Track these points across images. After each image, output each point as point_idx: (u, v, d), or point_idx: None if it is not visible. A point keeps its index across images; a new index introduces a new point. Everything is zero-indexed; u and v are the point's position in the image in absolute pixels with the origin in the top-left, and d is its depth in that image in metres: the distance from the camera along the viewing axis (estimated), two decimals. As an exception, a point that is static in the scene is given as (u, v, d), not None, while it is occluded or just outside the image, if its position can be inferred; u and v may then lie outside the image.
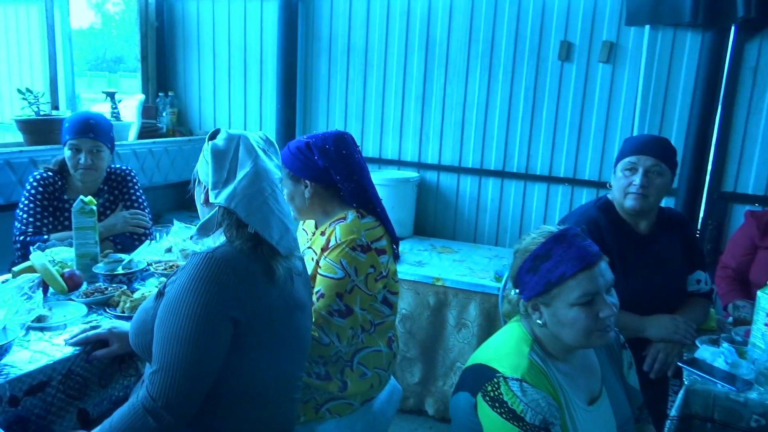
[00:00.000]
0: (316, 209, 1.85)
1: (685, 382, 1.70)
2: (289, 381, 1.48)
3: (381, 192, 3.32)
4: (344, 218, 1.78)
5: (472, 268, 2.98)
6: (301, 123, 3.90)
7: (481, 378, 1.36)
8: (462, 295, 2.76)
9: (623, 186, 2.00)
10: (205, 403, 1.29)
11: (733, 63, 2.85)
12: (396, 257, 1.92)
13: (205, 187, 1.40)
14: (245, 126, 4.12)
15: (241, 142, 1.36)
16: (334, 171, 1.76)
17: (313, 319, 1.69)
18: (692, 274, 2.08)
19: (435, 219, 3.67)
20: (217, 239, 1.38)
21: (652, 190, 1.96)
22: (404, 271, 2.86)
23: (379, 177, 3.45)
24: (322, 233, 1.81)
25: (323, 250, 1.75)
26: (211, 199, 1.33)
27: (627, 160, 2.01)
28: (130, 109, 3.62)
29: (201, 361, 1.24)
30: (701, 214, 3.04)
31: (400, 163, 3.70)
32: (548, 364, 1.40)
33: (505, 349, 1.42)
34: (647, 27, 2.96)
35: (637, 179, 1.96)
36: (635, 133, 3.07)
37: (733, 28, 2.78)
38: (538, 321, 1.39)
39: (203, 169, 1.41)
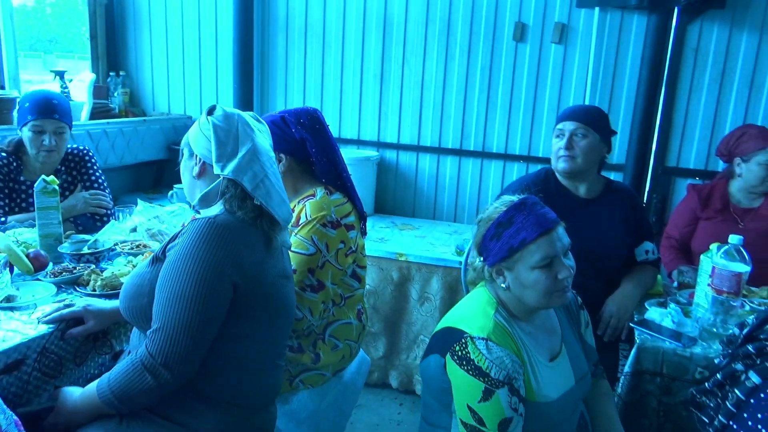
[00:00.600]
0: (287, 185, 1.84)
1: (637, 341, 1.83)
2: (276, 348, 1.54)
3: (344, 171, 3.40)
4: (313, 195, 1.81)
5: (434, 243, 3.06)
6: (258, 103, 3.88)
7: (449, 339, 1.44)
8: (425, 270, 2.84)
9: (555, 151, 2.18)
10: None
11: (676, 44, 3.01)
12: (363, 233, 1.98)
13: (200, 161, 1.45)
14: (201, 107, 4.06)
15: (239, 120, 1.44)
16: (309, 144, 1.80)
17: None
18: (640, 245, 2.21)
19: (395, 197, 3.74)
20: (214, 210, 1.43)
21: (577, 151, 2.11)
22: (368, 247, 2.87)
23: (346, 156, 3.48)
24: (291, 210, 1.85)
25: (294, 226, 1.77)
26: (216, 171, 1.38)
27: (556, 127, 2.19)
28: (80, 89, 3.52)
29: (202, 321, 1.28)
30: (647, 188, 3.21)
31: (359, 143, 3.74)
32: (512, 324, 1.49)
33: (471, 312, 1.50)
34: (597, 9, 3.09)
35: (563, 143, 2.13)
36: (586, 103, 3.20)
37: (676, 10, 2.93)
38: (502, 285, 1.48)
39: (200, 143, 1.45)
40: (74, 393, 1.40)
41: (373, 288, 2.91)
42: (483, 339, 1.40)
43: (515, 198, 1.50)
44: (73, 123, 2.47)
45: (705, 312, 1.82)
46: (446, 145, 3.56)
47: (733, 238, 1.78)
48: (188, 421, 1.36)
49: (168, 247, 1.38)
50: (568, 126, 2.14)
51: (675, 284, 2.33)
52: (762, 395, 1.29)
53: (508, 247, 1.43)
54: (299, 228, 1.75)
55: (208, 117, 1.44)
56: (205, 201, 1.45)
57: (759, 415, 1.27)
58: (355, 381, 2.14)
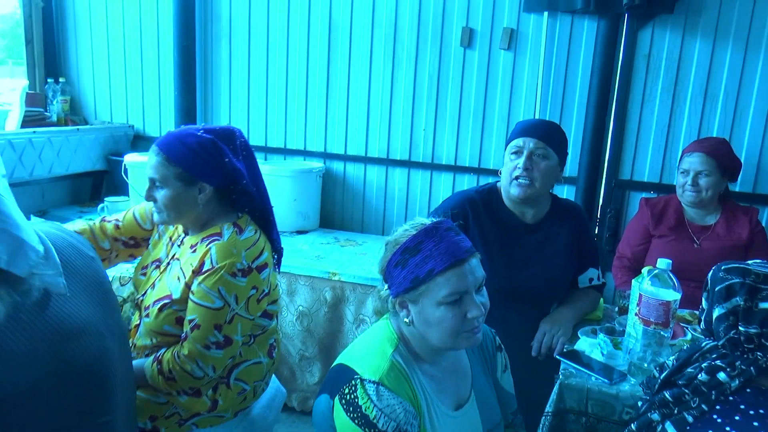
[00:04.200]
0: (201, 216, 1.62)
1: (560, 377, 1.66)
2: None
3: (285, 184, 3.23)
4: (219, 235, 1.57)
5: (374, 261, 2.88)
6: (201, 111, 3.70)
7: (340, 379, 1.27)
8: (360, 290, 2.66)
9: (510, 170, 1.93)
10: None
11: (627, 50, 2.86)
12: (277, 265, 1.76)
13: None
14: (144, 115, 3.88)
15: None
16: (239, 174, 1.57)
17: (186, 351, 1.52)
18: (584, 273, 2.04)
19: (343, 210, 3.56)
20: None
21: (536, 174, 1.88)
22: (301, 265, 2.74)
23: (283, 168, 3.31)
24: (193, 247, 1.60)
25: (195, 272, 1.53)
26: None
27: (513, 143, 1.94)
28: (11, 97, 3.33)
29: None
30: (600, 202, 3.05)
31: (305, 153, 3.56)
32: (413, 366, 1.31)
33: (367, 349, 1.33)
34: (545, 14, 2.93)
35: (521, 161, 1.88)
36: (536, 117, 3.04)
37: (626, 15, 2.78)
38: (406, 319, 1.31)
39: None
40: None
41: (306, 309, 2.72)
42: (374, 383, 1.23)
43: (428, 221, 1.33)
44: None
45: (636, 342, 1.65)
46: (394, 156, 3.39)
47: (662, 262, 1.61)
48: None
49: None
50: (528, 143, 1.89)
51: (616, 309, 2.16)
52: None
53: (412, 277, 1.25)
54: (203, 276, 1.51)
55: None
56: None
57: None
58: (265, 416, 1.94)
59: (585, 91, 2.95)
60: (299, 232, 3.31)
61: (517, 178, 1.89)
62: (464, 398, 1.38)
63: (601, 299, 2.23)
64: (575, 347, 1.82)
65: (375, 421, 1.19)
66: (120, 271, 2.08)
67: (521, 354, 1.83)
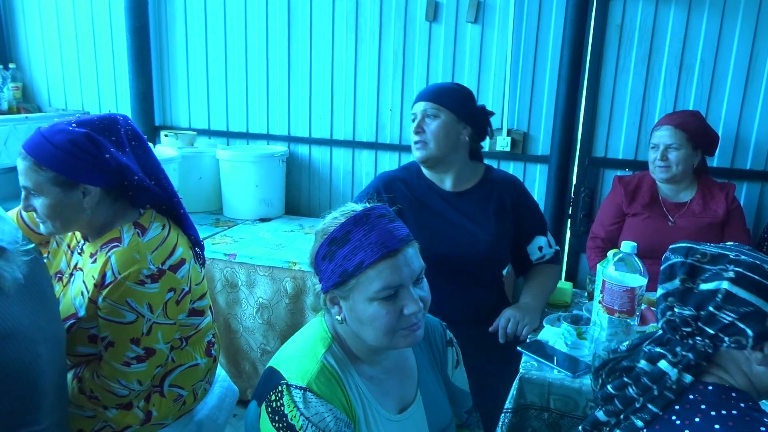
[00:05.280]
0: (96, 221, 1.41)
1: (521, 371, 1.54)
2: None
3: (246, 170, 3.07)
4: (119, 240, 1.38)
5: (338, 248, 2.75)
6: (158, 95, 3.53)
7: (268, 384, 1.15)
8: (321, 280, 2.52)
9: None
10: None
11: (599, 21, 2.71)
12: (200, 263, 1.59)
13: None
14: (99, 101, 3.70)
15: None
16: (129, 171, 1.36)
17: (104, 372, 1.38)
18: (531, 242, 1.92)
19: (309, 196, 3.41)
20: None
21: (428, 135, 1.81)
22: (260, 255, 2.60)
23: (243, 153, 3.15)
24: (93, 257, 1.41)
25: (97, 286, 1.35)
26: None
27: (411, 111, 1.91)
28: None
29: None
30: (574, 182, 2.92)
31: (269, 137, 3.41)
32: (348, 368, 1.19)
33: (298, 351, 1.21)
34: (513, -17, 2.78)
35: (413, 126, 1.85)
36: (507, 96, 2.91)
37: (596, -18, 2.63)
38: (338, 317, 1.18)
39: None
40: None
41: (267, 301, 2.59)
42: (301, 389, 1.10)
43: (359, 208, 1.19)
44: None
45: (601, 332, 1.53)
46: (361, 138, 3.24)
47: (626, 245, 1.49)
48: None
49: None
50: (419, 107, 1.85)
51: (586, 294, 2.05)
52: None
53: (341, 271, 1.11)
54: (107, 290, 1.33)
55: None
56: None
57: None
58: (215, 417, 1.82)
59: (556, 64, 2.80)
60: (262, 220, 3.16)
61: (415, 143, 1.86)
62: (409, 400, 1.26)
63: (569, 284, 2.12)
64: (539, 337, 1.71)
65: (301, 431, 1.07)
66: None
67: (469, 331, 1.71)
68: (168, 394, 1.53)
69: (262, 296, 2.59)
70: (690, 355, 0.97)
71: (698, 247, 1.01)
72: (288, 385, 1.11)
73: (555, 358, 1.57)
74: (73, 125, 1.34)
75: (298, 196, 3.42)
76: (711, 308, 0.95)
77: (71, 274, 1.48)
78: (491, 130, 1.94)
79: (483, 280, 1.88)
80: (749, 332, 0.93)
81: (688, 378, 0.97)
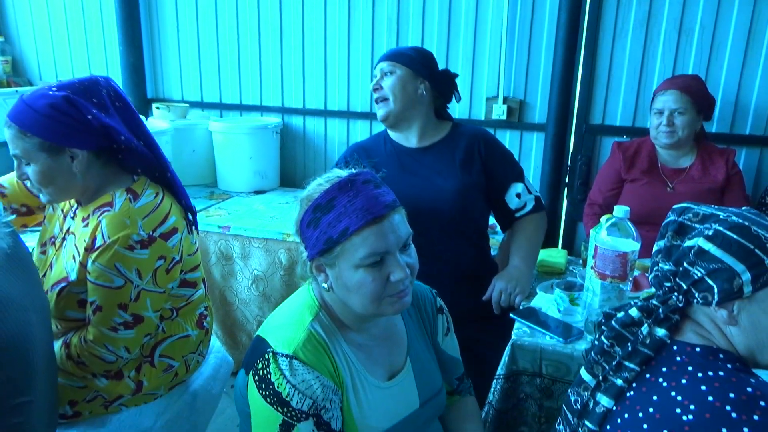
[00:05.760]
0: (88, 186, 1.42)
1: (513, 337, 1.53)
2: None
3: (240, 142, 3.04)
4: (110, 204, 1.39)
5: (333, 219, 2.73)
6: (150, 67, 3.47)
7: (255, 353, 1.14)
8: (316, 251, 2.51)
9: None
10: None
11: (596, -17, 2.65)
12: (191, 229, 1.57)
13: None
14: (90, 72, 3.62)
15: None
16: (115, 132, 1.36)
17: (91, 336, 1.37)
18: (508, 190, 1.87)
19: (304, 168, 3.38)
20: None
21: (387, 92, 1.85)
22: (254, 227, 2.58)
23: (236, 125, 3.12)
24: (85, 221, 1.42)
25: (87, 250, 1.36)
26: None
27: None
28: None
29: None
30: (571, 149, 2.89)
31: (262, 109, 3.36)
32: (336, 336, 1.18)
33: (285, 319, 1.20)
34: (508, -55, 2.70)
35: (372, 86, 1.90)
36: (503, 63, 2.85)
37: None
38: (324, 285, 1.17)
39: None
40: None
41: (262, 273, 2.58)
42: (287, 356, 1.10)
43: (344, 173, 1.16)
44: None
45: (594, 297, 1.52)
46: (355, 109, 3.19)
47: (619, 210, 1.46)
48: None
49: None
50: (377, 69, 1.90)
51: (580, 261, 2.03)
52: (618, 421, 0.99)
53: (326, 238, 1.10)
54: (96, 253, 1.34)
55: None
56: None
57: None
58: (210, 388, 1.82)
59: (553, 30, 2.74)
60: (257, 193, 3.14)
61: (376, 102, 1.90)
62: (398, 367, 1.25)
63: (563, 250, 2.10)
64: (532, 304, 1.70)
65: (288, 398, 1.07)
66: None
67: (454, 287, 1.72)
68: (158, 365, 1.53)
69: (257, 268, 2.58)
70: (661, 308, 0.97)
71: (694, 207, 1.00)
72: (274, 353, 1.10)
73: (547, 324, 1.56)
74: (53, 89, 1.33)
75: (292, 168, 3.39)
76: (686, 264, 0.95)
77: (63, 238, 1.48)
78: (458, 93, 1.95)
79: (456, 231, 1.83)
80: (716, 288, 0.92)
81: (660, 332, 0.97)
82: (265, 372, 1.10)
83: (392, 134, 1.95)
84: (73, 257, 1.41)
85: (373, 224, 1.08)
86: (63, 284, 1.41)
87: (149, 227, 1.38)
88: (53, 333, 1.46)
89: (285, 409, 1.07)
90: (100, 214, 1.37)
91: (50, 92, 1.32)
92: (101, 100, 1.37)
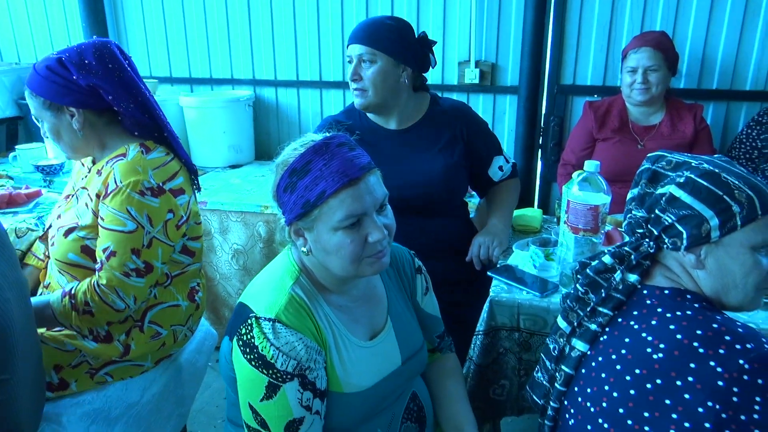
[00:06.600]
0: (92, 143, 1.53)
1: (491, 294, 1.56)
2: None
3: (213, 116, 3.00)
4: (124, 155, 1.48)
5: (310, 190, 2.73)
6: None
7: (238, 319, 1.16)
8: (295, 222, 2.51)
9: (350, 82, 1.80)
10: None
11: (564, -58, 2.65)
12: (196, 189, 1.65)
13: None
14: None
15: None
16: (104, 91, 1.43)
17: (104, 281, 1.41)
18: (491, 165, 1.90)
19: (279, 140, 3.32)
20: None
21: (366, 83, 1.73)
22: (232, 200, 2.57)
23: (207, 99, 3.07)
24: (99, 172, 1.49)
25: (100, 196, 1.44)
26: None
27: (346, 53, 1.80)
28: None
29: None
30: (543, 111, 2.91)
31: (233, 82, 3.32)
32: (317, 298, 1.20)
33: (266, 285, 1.21)
34: None
35: (350, 72, 1.76)
36: (474, 27, 2.84)
37: None
38: (303, 248, 1.18)
39: None
40: None
41: (241, 247, 2.58)
42: (270, 320, 1.11)
43: (319, 137, 1.17)
44: None
45: (567, 251, 1.56)
46: (328, 78, 3.17)
47: (590, 164, 1.49)
48: None
49: None
50: (354, 51, 1.74)
51: (555, 219, 2.07)
52: (593, 364, 1.03)
53: (303, 202, 1.10)
54: (109, 197, 1.42)
55: None
56: None
57: (589, 390, 1.02)
58: (195, 361, 1.84)
59: (522, -10, 2.74)
60: (233, 167, 3.12)
61: (354, 90, 1.78)
62: (380, 326, 1.28)
63: (538, 210, 2.14)
64: (509, 261, 1.73)
65: (273, 361, 1.09)
66: (17, 223, 1.89)
67: (442, 265, 1.74)
68: (147, 330, 1.56)
69: (236, 242, 2.58)
70: (633, 254, 1.00)
71: (668, 154, 1.03)
72: (257, 318, 1.12)
73: (524, 280, 1.60)
74: (55, 53, 1.45)
75: (267, 141, 3.36)
76: (658, 210, 0.98)
77: (77, 192, 1.57)
78: (434, 58, 1.83)
79: (442, 211, 1.86)
80: (685, 234, 0.95)
81: (632, 277, 1.00)
82: (249, 337, 1.11)
83: (370, 114, 1.87)
84: (86, 204, 1.48)
85: (350, 186, 1.09)
86: (72, 225, 1.49)
87: (159, 178, 1.46)
88: (61, 286, 1.52)
89: (270, 371, 1.09)
90: (114, 163, 1.47)
91: (51, 56, 1.44)
92: (92, 61, 1.43)
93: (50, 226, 1.60)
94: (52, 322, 1.47)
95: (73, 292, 1.45)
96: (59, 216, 1.58)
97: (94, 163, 1.58)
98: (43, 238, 1.74)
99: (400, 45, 1.73)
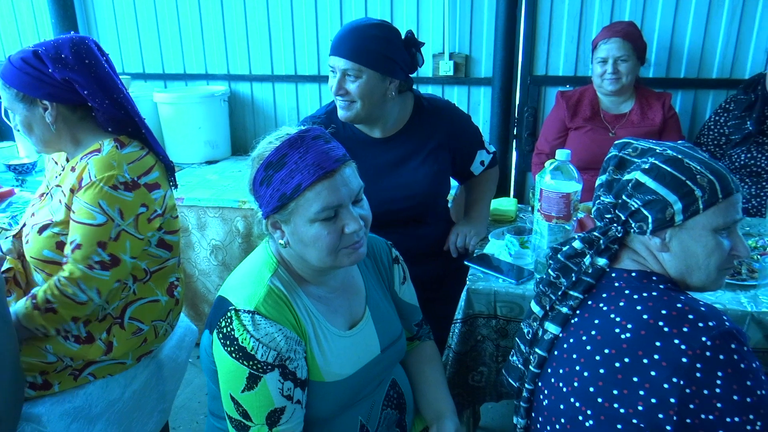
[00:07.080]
0: (64, 138, 1.52)
1: (468, 283, 1.59)
2: None
3: (188, 112, 2.98)
4: (98, 150, 1.48)
5: (288, 184, 2.73)
6: (86, 40, 3.34)
7: (218, 312, 1.17)
8: (273, 216, 2.52)
9: (330, 89, 1.70)
10: None
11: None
12: (173, 186, 1.63)
13: None
14: (21, 46, 3.47)
15: None
16: (79, 85, 1.42)
17: (67, 273, 1.41)
18: (473, 161, 1.91)
19: (255, 135, 3.29)
20: None
21: (353, 96, 1.65)
22: (209, 196, 2.57)
23: (182, 94, 3.05)
24: (72, 169, 1.49)
25: (73, 191, 1.43)
26: None
27: (329, 63, 1.69)
28: None
29: None
30: (517, 101, 2.95)
31: (208, 77, 3.30)
32: (295, 290, 1.21)
33: (245, 278, 1.23)
34: None
35: (334, 83, 1.66)
36: (447, 22, 2.87)
37: None
38: (281, 241, 1.19)
39: None
40: None
41: (220, 242, 2.58)
42: (249, 312, 1.13)
43: (294, 131, 1.18)
44: None
45: (541, 239, 1.59)
46: (303, 72, 3.17)
47: (561, 153, 1.53)
48: None
49: None
50: (337, 64, 1.64)
51: (530, 208, 2.11)
52: (565, 345, 1.06)
53: (279, 195, 1.12)
54: (82, 191, 1.42)
55: None
56: None
57: (561, 371, 1.05)
58: (175, 356, 1.84)
59: (494, -18, 2.77)
60: (209, 163, 3.11)
61: (338, 102, 1.71)
62: (358, 316, 1.30)
63: (514, 200, 2.18)
64: (485, 251, 1.76)
65: (253, 352, 1.10)
66: (-8, 223, 1.88)
67: (425, 257, 1.77)
68: (128, 327, 1.56)
69: (214, 238, 2.58)
70: (602, 239, 1.04)
71: (634, 141, 1.06)
72: (236, 310, 1.13)
73: (500, 268, 1.64)
74: (30, 46, 1.44)
75: (243, 136, 3.35)
76: (624, 196, 1.01)
77: (51, 189, 1.56)
78: (422, 57, 1.74)
79: (426, 218, 1.86)
80: (650, 218, 0.99)
81: (601, 261, 1.04)
82: (229, 329, 1.12)
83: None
84: (60, 200, 1.48)
85: (325, 179, 1.11)
86: (46, 222, 1.48)
87: (134, 173, 1.46)
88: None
89: (251, 363, 1.10)
90: (89, 158, 1.45)
91: (28, 48, 1.44)
92: (69, 56, 1.42)
93: (24, 225, 1.59)
94: (21, 331, 1.44)
95: (34, 292, 1.44)
96: (33, 214, 1.57)
97: (67, 160, 1.57)
98: (18, 236, 1.72)
99: (386, 58, 1.64)
